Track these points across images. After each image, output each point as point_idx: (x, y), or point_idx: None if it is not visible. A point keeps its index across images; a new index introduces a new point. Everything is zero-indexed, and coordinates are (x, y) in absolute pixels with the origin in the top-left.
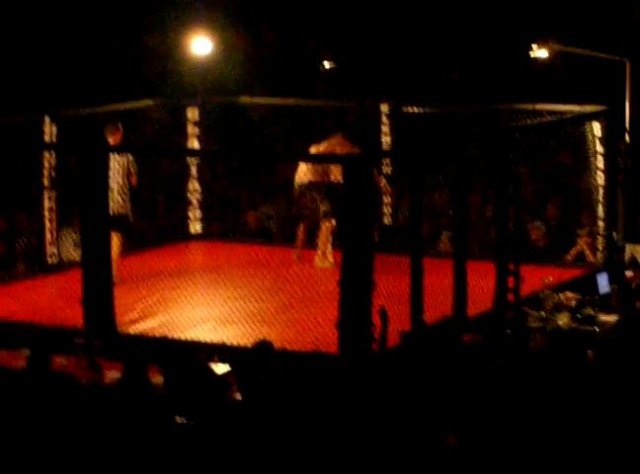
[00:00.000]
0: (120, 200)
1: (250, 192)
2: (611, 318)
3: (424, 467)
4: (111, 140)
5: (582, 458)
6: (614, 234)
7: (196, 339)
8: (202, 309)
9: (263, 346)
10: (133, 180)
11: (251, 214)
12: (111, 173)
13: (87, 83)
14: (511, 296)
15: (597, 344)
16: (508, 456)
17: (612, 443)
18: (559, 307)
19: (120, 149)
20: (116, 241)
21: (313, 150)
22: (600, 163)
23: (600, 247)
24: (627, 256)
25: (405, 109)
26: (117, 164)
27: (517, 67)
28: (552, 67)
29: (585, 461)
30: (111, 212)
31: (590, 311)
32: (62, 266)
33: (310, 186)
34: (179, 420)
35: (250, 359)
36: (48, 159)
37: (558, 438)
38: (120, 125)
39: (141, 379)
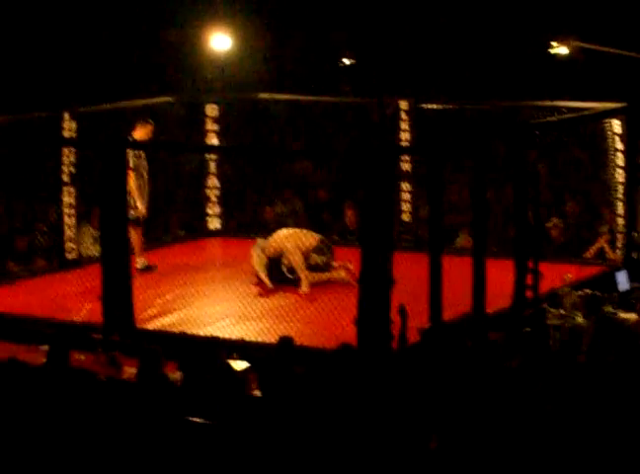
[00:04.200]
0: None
1: (268, 188)
2: (631, 316)
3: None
4: (137, 135)
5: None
6: (634, 232)
7: (214, 335)
8: (221, 305)
9: (285, 342)
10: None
11: (269, 211)
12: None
13: (106, 79)
14: (530, 294)
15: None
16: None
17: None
18: (578, 305)
19: (137, 146)
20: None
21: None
22: (620, 160)
23: (619, 244)
24: None
25: (425, 105)
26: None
27: (537, 64)
28: (573, 64)
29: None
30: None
31: (609, 309)
32: (81, 261)
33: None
34: (196, 419)
35: (272, 357)
36: (68, 155)
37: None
38: (149, 121)
39: (157, 375)
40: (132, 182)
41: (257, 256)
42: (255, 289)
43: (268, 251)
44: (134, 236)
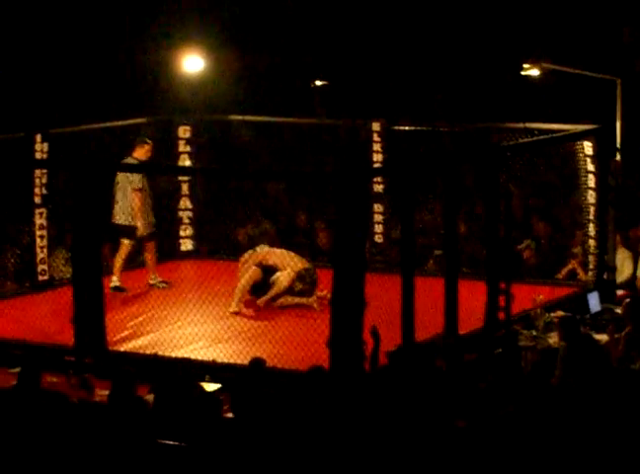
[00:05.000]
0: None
1: (240, 210)
2: (603, 337)
3: None
4: (136, 155)
5: None
6: (605, 253)
7: (187, 357)
8: (194, 327)
9: (255, 364)
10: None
11: (241, 232)
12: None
13: (79, 101)
14: (502, 315)
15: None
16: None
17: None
18: (550, 326)
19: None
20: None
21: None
22: (592, 182)
23: (590, 266)
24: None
25: (397, 127)
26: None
27: (508, 86)
28: (543, 86)
29: None
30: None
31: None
32: (53, 283)
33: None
34: (169, 441)
35: (243, 378)
36: (39, 176)
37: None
38: (147, 140)
39: (130, 397)
40: (139, 201)
41: (254, 265)
42: (227, 311)
43: (266, 261)
44: (148, 254)
